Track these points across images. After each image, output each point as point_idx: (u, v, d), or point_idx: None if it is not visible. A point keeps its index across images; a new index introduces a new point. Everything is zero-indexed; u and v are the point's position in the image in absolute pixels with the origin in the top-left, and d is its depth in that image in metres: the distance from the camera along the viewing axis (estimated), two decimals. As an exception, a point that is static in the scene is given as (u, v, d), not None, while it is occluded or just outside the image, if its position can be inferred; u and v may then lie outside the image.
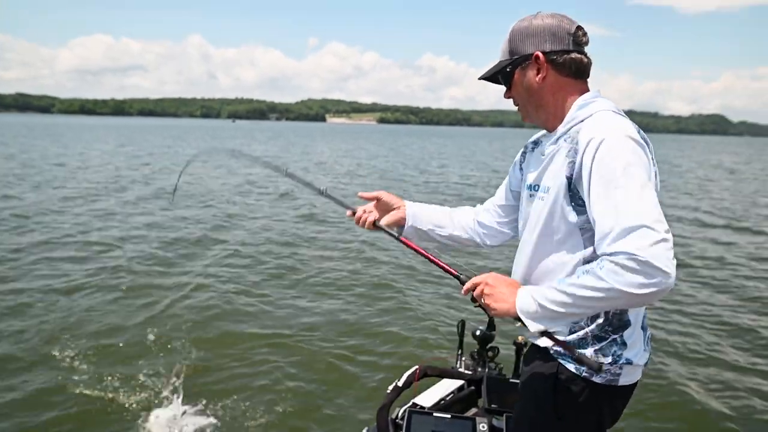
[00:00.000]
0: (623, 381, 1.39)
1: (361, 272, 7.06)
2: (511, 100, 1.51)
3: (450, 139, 72.63)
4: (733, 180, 22.61)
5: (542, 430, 1.49)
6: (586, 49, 1.43)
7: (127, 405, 3.69)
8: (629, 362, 1.37)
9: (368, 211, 1.73)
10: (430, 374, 2.22)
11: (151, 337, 4.71)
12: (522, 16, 1.45)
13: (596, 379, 1.38)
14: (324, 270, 7.07)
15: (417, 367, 2.17)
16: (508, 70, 1.44)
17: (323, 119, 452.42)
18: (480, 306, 1.39)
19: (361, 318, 5.48)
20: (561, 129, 1.40)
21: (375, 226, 1.70)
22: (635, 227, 1.13)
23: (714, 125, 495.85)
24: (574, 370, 1.40)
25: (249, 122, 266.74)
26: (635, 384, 1.44)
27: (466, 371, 2.32)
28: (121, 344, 4.59)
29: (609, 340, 1.37)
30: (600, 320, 1.37)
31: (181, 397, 3.72)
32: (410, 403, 2.26)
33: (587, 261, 1.33)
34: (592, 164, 1.24)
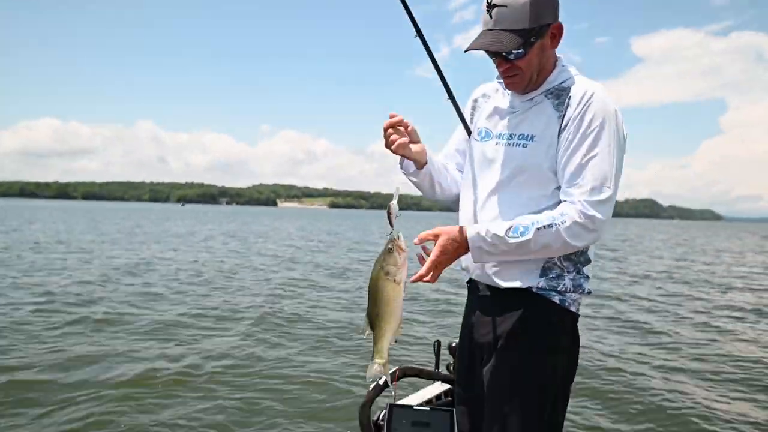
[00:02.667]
0: (581, 310, 1.60)
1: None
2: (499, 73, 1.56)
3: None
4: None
5: (536, 366, 1.51)
6: None
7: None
8: (589, 292, 1.56)
9: (401, 133, 1.60)
10: (409, 374, 2.29)
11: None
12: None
13: (572, 307, 1.54)
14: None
15: (397, 368, 2.23)
16: (532, 40, 1.45)
17: (274, 203, 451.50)
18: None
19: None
20: (544, 87, 1.53)
21: (401, 151, 1.60)
22: (595, 182, 1.38)
23: (647, 209, 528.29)
24: (559, 302, 1.51)
25: (199, 206, 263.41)
26: None
27: (445, 371, 2.39)
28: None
29: (577, 271, 1.53)
30: (572, 257, 1.51)
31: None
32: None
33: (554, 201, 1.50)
34: (582, 115, 1.43)
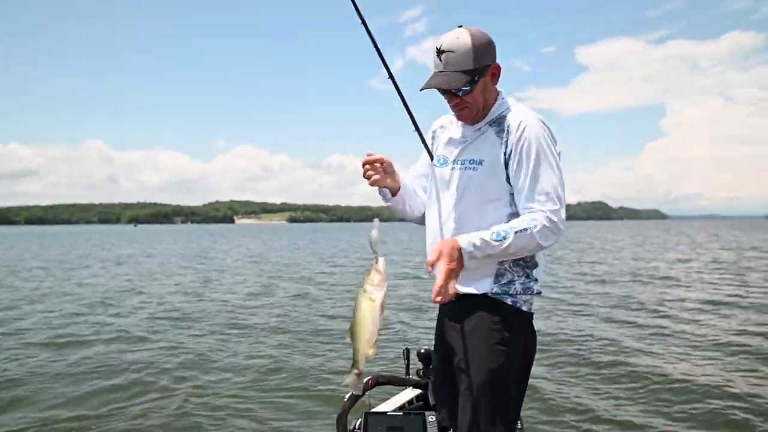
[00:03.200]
0: (532, 309, 1.82)
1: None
2: (454, 104, 1.78)
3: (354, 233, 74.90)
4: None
5: (498, 361, 1.73)
6: None
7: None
8: (539, 293, 1.79)
9: (377, 170, 1.88)
10: (382, 382, 2.38)
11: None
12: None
13: (524, 307, 1.77)
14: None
15: (370, 377, 2.32)
16: (476, 78, 1.71)
17: (231, 221, 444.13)
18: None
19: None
20: (488, 118, 1.79)
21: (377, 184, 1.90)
22: (549, 194, 1.65)
23: (598, 211, 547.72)
24: (511, 303, 1.75)
25: (152, 226, 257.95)
26: None
27: (415, 377, 2.48)
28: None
29: (526, 276, 1.77)
30: (521, 262, 1.76)
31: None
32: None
33: (512, 216, 1.73)
34: (521, 142, 1.69)
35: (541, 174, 1.66)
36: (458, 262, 1.63)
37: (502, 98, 1.81)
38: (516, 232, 1.62)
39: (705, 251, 25.12)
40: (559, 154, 1.74)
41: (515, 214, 1.72)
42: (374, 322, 1.57)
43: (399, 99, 1.99)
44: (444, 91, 1.75)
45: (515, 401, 1.78)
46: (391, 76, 1.97)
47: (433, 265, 1.64)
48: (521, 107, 1.78)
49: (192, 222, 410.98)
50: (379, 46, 1.95)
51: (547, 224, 1.62)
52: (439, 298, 1.60)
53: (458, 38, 1.70)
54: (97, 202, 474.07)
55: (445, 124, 1.95)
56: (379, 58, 1.96)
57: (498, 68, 1.77)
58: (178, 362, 5.84)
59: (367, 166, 1.87)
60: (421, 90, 1.76)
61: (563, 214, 1.67)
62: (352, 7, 1.93)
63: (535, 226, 1.62)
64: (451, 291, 1.61)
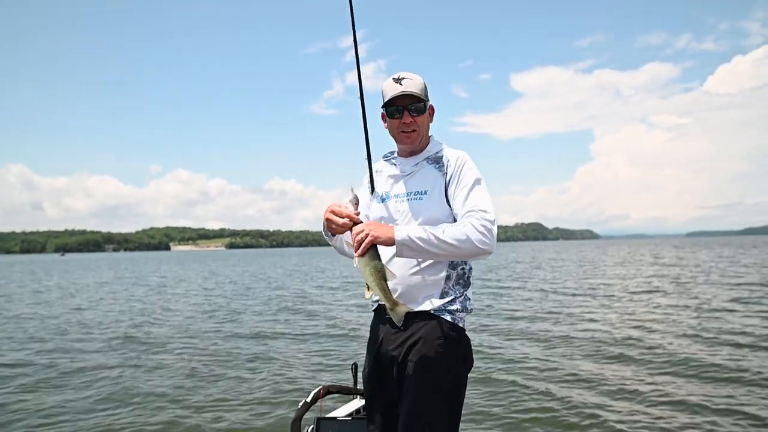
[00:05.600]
0: (466, 326, 2.04)
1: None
2: (411, 125, 2.07)
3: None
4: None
5: (442, 371, 1.92)
6: None
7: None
8: (471, 310, 2.04)
9: (345, 227, 1.99)
10: (333, 391, 2.56)
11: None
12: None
13: (460, 323, 1.99)
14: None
15: (321, 386, 2.53)
16: (425, 106, 2.09)
17: (167, 248, 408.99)
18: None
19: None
20: (424, 155, 2.12)
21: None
22: (483, 210, 1.90)
23: (534, 232, 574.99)
24: (451, 320, 1.97)
25: (81, 255, 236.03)
26: None
27: (361, 388, 2.63)
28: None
29: (463, 295, 2.02)
30: (461, 282, 2.02)
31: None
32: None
33: None
34: (459, 170, 2.02)
35: (476, 193, 1.95)
36: (379, 229, 1.87)
37: (435, 140, 2.16)
38: (449, 226, 1.88)
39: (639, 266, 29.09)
40: (482, 180, 2.02)
41: None
42: (378, 268, 1.87)
43: (363, 129, 2.16)
44: (401, 110, 2.04)
45: (451, 414, 1.92)
46: (363, 113, 2.14)
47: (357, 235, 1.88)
48: (451, 148, 2.13)
49: (125, 250, 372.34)
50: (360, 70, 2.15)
51: (479, 226, 1.84)
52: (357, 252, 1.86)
53: (412, 74, 2.07)
54: (18, 230, 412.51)
55: (380, 168, 2.22)
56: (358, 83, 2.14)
57: (433, 109, 2.14)
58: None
59: (340, 223, 1.96)
60: (388, 100, 2.04)
61: (494, 227, 1.87)
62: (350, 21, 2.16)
63: (469, 224, 1.85)
64: (363, 248, 1.85)
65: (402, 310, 1.93)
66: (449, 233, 1.84)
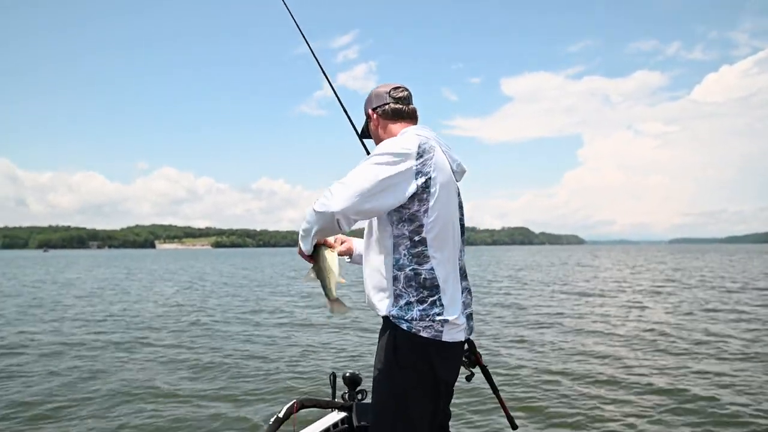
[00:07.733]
0: (446, 338, 1.83)
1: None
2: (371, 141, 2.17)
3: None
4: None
5: (389, 378, 1.86)
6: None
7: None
8: (447, 321, 1.82)
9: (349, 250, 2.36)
10: (307, 405, 2.43)
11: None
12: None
13: (423, 333, 1.80)
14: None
15: (295, 400, 2.39)
16: (365, 126, 2.17)
17: (153, 246, 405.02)
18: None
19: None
20: None
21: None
22: (343, 179, 1.75)
23: (521, 236, 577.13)
24: (406, 329, 1.82)
25: (65, 251, 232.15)
26: (461, 343, 1.93)
27: (340, 400, 2.55)
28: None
29: (429, 302, 1.83)
30: (413, 285, 1.84)
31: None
32: None
33: (395, 237, 1.88)
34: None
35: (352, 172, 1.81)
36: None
37: (400, 133, 2.04)
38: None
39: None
40: (389, 163, 1.77)
41: (398, 236, 1.86)
42: (335, 260, 1.95)
43: (354, 133, 2.29)
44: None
45: (395, 426, 1.82)
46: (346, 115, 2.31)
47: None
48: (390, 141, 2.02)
49: (110, 247, 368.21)
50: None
51: (325, 191, 1.75)
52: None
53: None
54: (1, 225, 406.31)
55: None
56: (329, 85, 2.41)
57: (371, 114, 2.12)
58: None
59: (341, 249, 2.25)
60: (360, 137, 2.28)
61: (347, 187, 1.71)
62: (297, 30, 2.38)
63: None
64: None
65: (335, 306, 2.00)
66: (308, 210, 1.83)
